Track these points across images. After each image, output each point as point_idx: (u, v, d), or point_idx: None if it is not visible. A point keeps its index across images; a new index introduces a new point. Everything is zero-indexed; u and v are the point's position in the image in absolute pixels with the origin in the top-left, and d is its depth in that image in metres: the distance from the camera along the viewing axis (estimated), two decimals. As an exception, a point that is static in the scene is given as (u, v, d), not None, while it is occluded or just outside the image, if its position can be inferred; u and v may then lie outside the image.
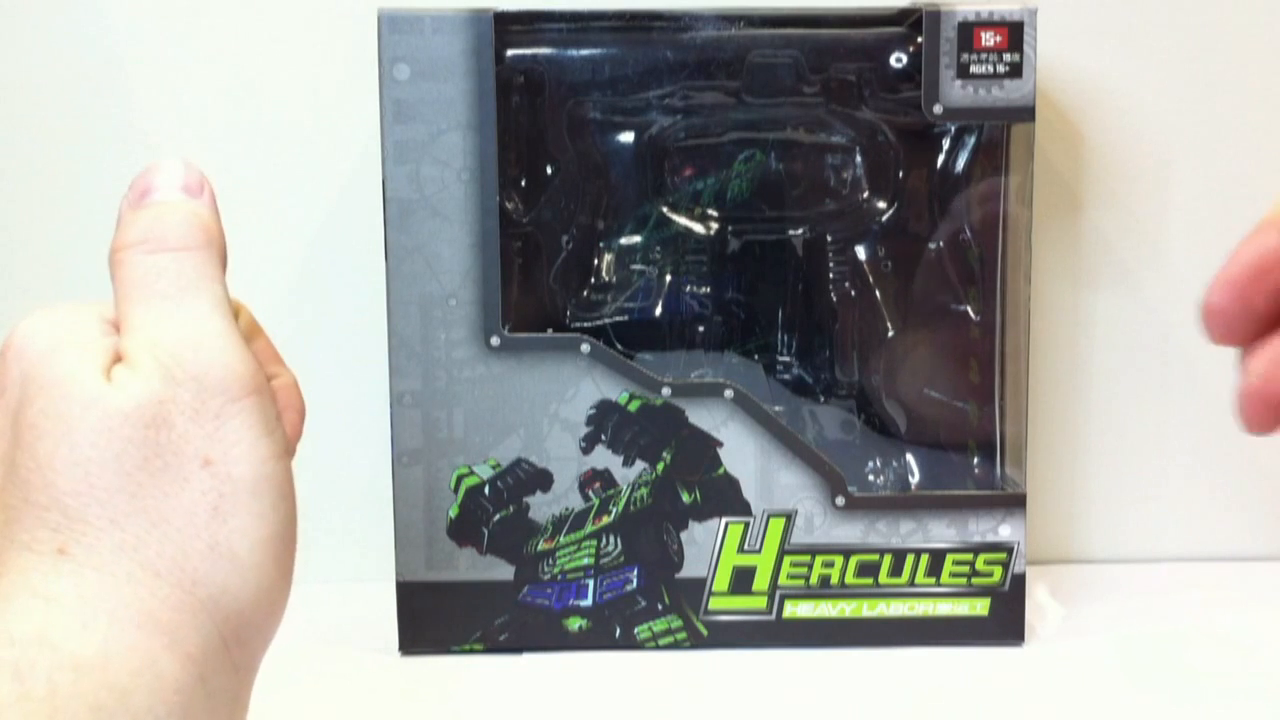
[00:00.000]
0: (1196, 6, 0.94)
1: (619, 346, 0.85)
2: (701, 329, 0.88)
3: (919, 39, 0.82)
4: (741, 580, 0.85)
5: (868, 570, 0.85)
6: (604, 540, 0.84)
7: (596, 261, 0.87)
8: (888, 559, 0.85)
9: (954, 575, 0.85)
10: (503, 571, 0.84)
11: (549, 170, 0.86)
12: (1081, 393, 0.97)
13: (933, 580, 0.85)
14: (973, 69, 0.81)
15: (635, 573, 0.85)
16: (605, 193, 0.87)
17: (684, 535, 0.84)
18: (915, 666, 0.83)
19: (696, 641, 0.85)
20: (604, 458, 0.84)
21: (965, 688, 0.82)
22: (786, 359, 0.88)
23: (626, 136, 0.86)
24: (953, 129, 0.85)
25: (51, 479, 0.43)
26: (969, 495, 0.85)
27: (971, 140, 0.85)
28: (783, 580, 0.85)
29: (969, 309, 0.87)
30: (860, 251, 0.88)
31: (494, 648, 0.85)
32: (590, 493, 0.84)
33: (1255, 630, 0.88)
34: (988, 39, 0.81)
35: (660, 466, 0.84)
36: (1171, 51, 0.94)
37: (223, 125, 0.93)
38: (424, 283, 0.82)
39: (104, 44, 0.93)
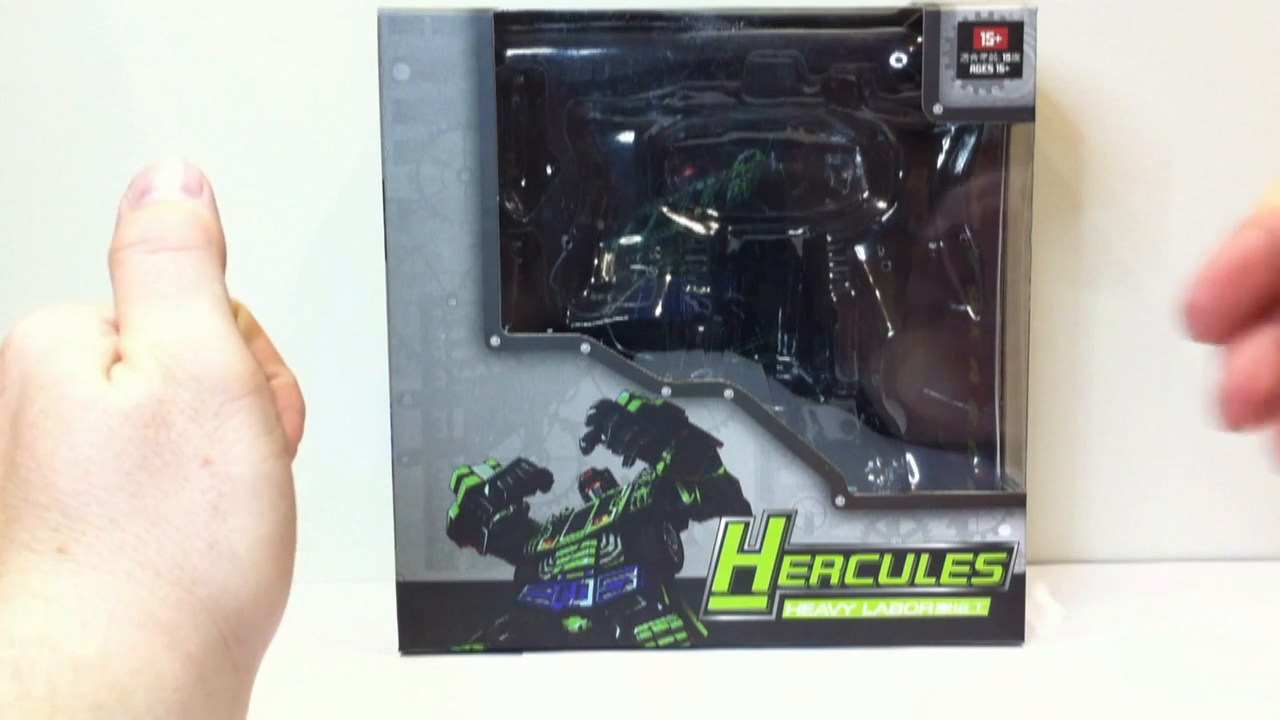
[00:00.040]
0: (1196, 6, 0.94)
1: (619, 346, 0.85)
2: (701, 329, 0.88)
3: (919, 39, 0.82)
4: (741, 580, 0.85)
5: (868, 570, 0.85)
6: (604, 540, 0.84)
7: (596, 261, 0.87)
8: (888, 559, 0.85)
9: (954, 575, 0.85)
10: (503, 571, 0.84)
11: (549, 170, 0.86)
12: (1081, 393, 0.97)
13: (933, 580, 0.85)
14: (973, 69, 0.81)
15: (635, 573, 0.85)
16: (605, 193, 0.87)
17: (684, 535, 0.84)
18: (915, 666, 0.83)
19: (696, 641, 0.85)
20: (604, 458, 0.84)
21: (965, 688, 0.82)
22: (786, 359, 0.88)
23: (626, 136, 0.86)
24: (953, 129, 0.85)
25: (51, 478, 0.43)
26: (969, 495, 0.85)
27: (971, 140, 0.85)
28: (783, 580, 0.85)
29: (969, 309, 0.87)
30: (860, 251, 0.88)
31: (494, 648, 0.85)
32: (590, 493, 0.84)
33: (1255, 630, 0.88)
34: (988, 39, 0.81)
35: (660, 466, 0.84)
36: (1171, 51, 0.94)
37: (223, 125, 0.93)
38: (424, 283, 0.82)
39: (104, 44, 0.93)
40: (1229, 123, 0.95)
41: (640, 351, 0.86)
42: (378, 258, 0.83)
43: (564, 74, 0.84)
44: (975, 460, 0.88)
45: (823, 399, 0.89)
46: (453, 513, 0.84)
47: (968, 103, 0.82)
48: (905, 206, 0.87)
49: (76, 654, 0.41)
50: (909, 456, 0.89)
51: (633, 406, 0.83)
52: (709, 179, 0.87)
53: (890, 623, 0.85)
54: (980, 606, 0.85)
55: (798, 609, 0.85)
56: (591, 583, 0.85)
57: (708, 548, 0.84)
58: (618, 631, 0.85)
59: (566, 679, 0.82)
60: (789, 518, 0.84)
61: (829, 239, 0.88)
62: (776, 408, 0.86)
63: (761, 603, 0.85)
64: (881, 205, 0.87)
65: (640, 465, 0.84)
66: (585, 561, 0.84)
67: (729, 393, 0.83)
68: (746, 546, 0.84)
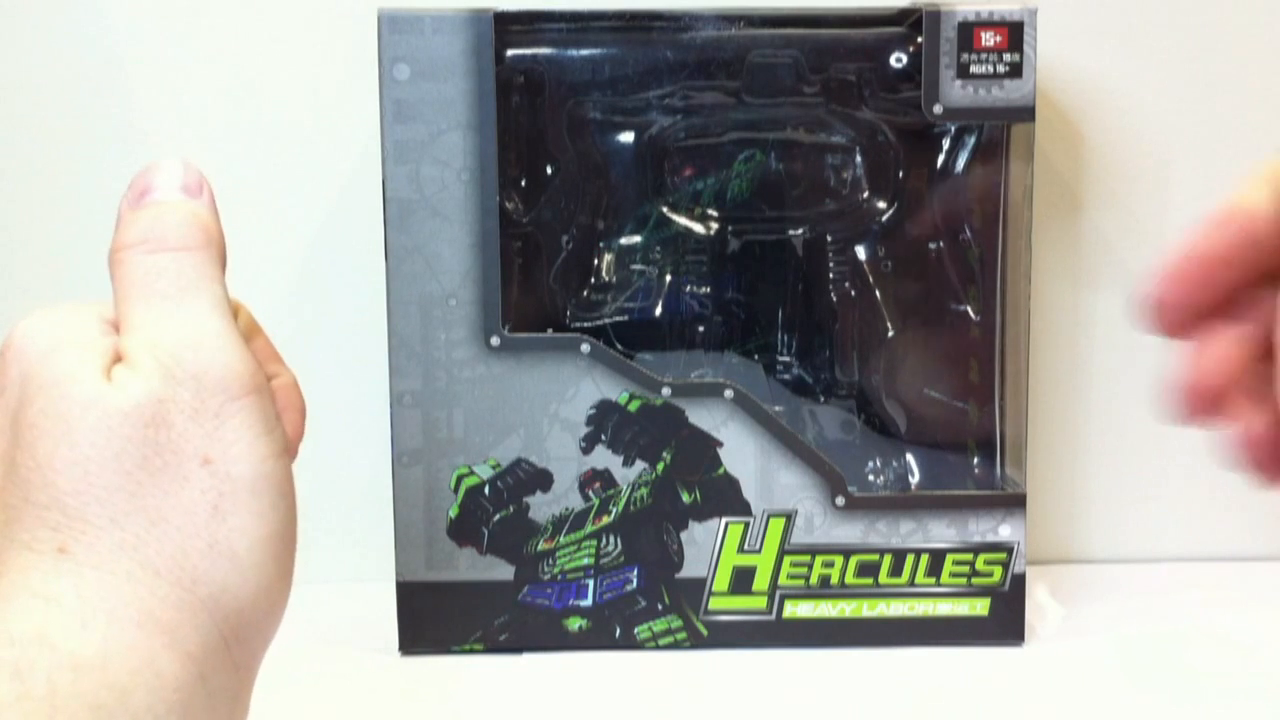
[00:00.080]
0: (1196, 6, 0.94)
1: (619, 346, 0.85)
2: (701, 329, 0.88)
3: (919, 39, 0.82)
4: (741, 580, 0.85)
5: (868, 570, 0.85)
6: (604, 540, 0.84)
7: (596, 261, 0.87)
8: (888, 559, 0.85)
9: (954, 575, 0.85)
10: (503, 571, 0.84)
11: (549, 170, 0.86)
12: (1081, 393, 0.97)
13: (933, 580, 0.85)
14: (973, 69, 0.81)
15: (635, 573, 0.85)
16: (605, 193, 0.87)
17: (684, 535, 0.84)
18: (915, 666, 0.83)
19: (696, 641, 0.85)
20: (604, 458, 0.84)
21: (965, 688, 0.82)
22: (786, 359, 0.88)
23: (626, 136, 0.86)
24: (953, 129, 0.85)
25: (51, 478, 0.43)
26: (969, 495, 0.85)
27: (971, 140, 0.85)
28: (783, 580, 0.85)
29: (969, 309, 0.87)
30: (860, 251, 0.88)
31: (494, 648, 0.85)
32: (590, 493, 0.84)
33: (1255, 630, 0.88)
34: (988, 39, 0.81)
35: (660, 466, 0.84)
36: (1171, 51, 0.94)
37: (223, 125, 0.93)
38: (424, 283, 0.82)
39: (104, 44, 0.93)
40: (1229, 123, 0.95)
41: (640, 351, 0.86)
42: (378, 258, 0.83)
43: (564, 74, 0.84)
44: (975, 460, 0.88)
45: (823, 399, 0.89)
46: (453, 513, 0.84)
47: (968, 103, 0.82)
48: (905, 206, 0.87)
49: (76, 654, 0.41)
50: (909, 456, 0.89)
51: (633, 406, 0.83)
52: (709, 179, 0.87)
53: (890, 623, 0.85)
54: (980, 606, 0.85)
55: (798, 609, 0.85)
56: (591, 583, 0.85)
57: (708, 548, 0.84)
58: (618, 631, 0.85)
59: (566, 679, 0.82)
60: (789, 518, 0.84)
61: (829, 239, 0.88)
62: (776, 408, 0.86)
63: (761, 603, 0.85)
64: (881, 205, 0.87)
65: (640, 465, 0.84)
66: (585, 561, 0.84)
67: (729, 393, 0.83)
68: (746, 546, 0.84)
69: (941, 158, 0.86)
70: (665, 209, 0.87)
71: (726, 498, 0.84)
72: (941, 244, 0.87)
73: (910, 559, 0.85)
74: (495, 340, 0.82)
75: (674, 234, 0.87)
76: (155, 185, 0.49)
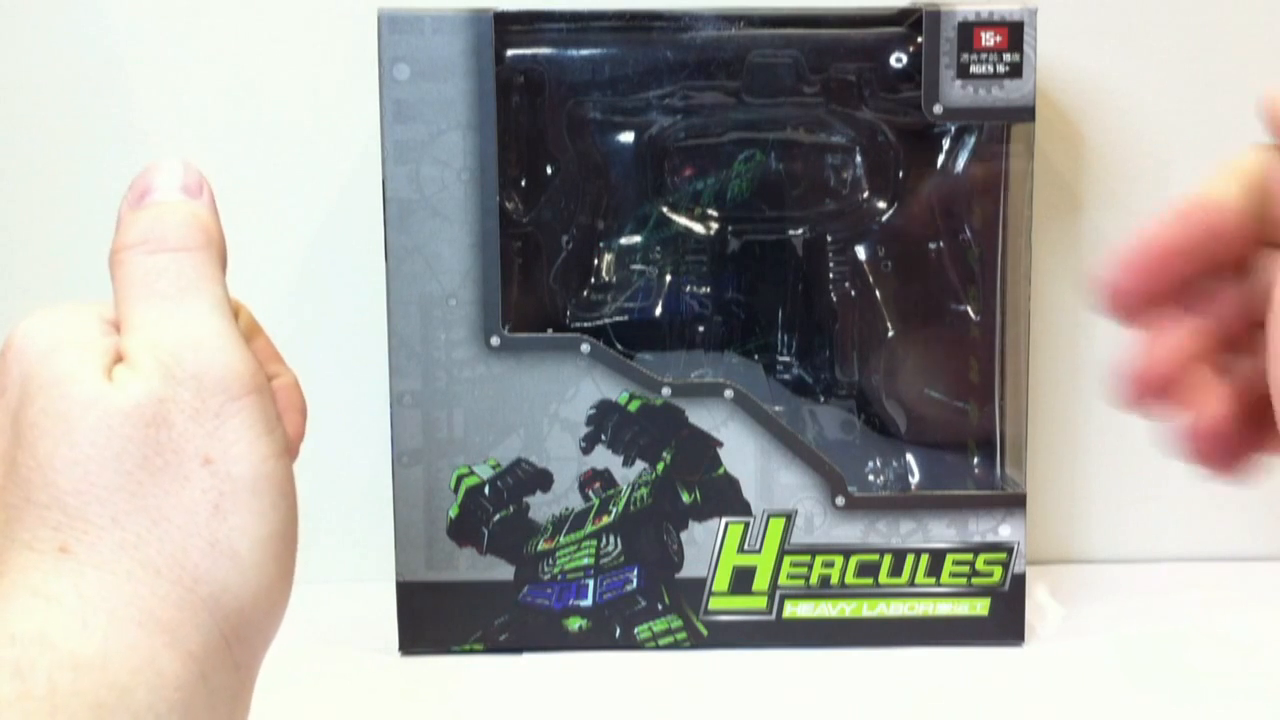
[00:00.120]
0: (1196, 6, 0.94)
1: (619, 346, 0.85)
2: (701, 329, 0.88)
3: (919, 39, 0.82)
4: (741, 580, 0.85)
5: (868, 570, 0.85)
6: (604, 540, 0.84)
7: (596, 261, 0.87)
8: (888, 559, 0.85)
9: (954, 575, 0.85)
10: (503, 571, 0.84)
11: (549, 170, 0.86)
12: (1081, 393, 0.97)
13: (933, 580, 0.85)
14: (973, 69, 0.81)
15: (635, 573, 0.85)
16: (605, 193, 0.87)
17: (684, 535, 0.84)
18: (915, 666, 0.83)
19: (696, 641, 0.85)
20: (604, 458, 0.84)
21: (965, 688, 0.82)
22: (786, 359, 0.88)
23: (626, 136, 0.86)
24: (953, 129, 0.85)
25: (52, 478, 0.43)
26: (969, 495, 0.85)
27: (971, 140, 0.85)
28: (783, 580, 0.85)
29: (969, 309, 0.87)
30: (860, 251, 0.88)
31: (494, 648, 0.85)
32: (590, 493, 0.84)
33: (1255, 630, 0.88)
34: (988, 39, 0.81)
35: (660, 466, 0.84)
36: (1171, 51, 0.94)
37: (223, 125, 0.93)
38: (424, 283, 0.82)
39: (104, 44, 0.93)
40: (1229, 123, 0.95)
41: (640, 351, 0.86)
42: (378, 258, 0.83)
43: (564, 74, 0.84)
44: (975, 460, 0.88)
45: (823, 399, 0.89)
46: (453, 513, 0.84)
47: (968, 103, 0.82)
48: (905, 206, 0.87)
49: (77, 653, 0.41)
50: (909, 456, 0.89)
51: (633, 406, 0.83)
52: (709, 179, 0.87)
53: (890, 623, 0.85)
54: (980, 606, 0.85)
55: (798, 609, 0.85)
56: (591, 583, 0.85)
57: (708, 548, 0.84)
58: (618, 631, 0.85)
59: (566, 679, 0.82)
60: (789, 518, 0.84)
61: (829, 239, 0.88)
62: (776, 408, 0.86)
63: (761, 603, 0.85)
64: (881, 205, 0.87)
65: (640, 465, 0.84)
66: (585, 561, 0.84)
67: (729, 393, 0.83)
68: (746, 546, 0.84)
69: (941, 158, 0.86)
70: (665, 209, 0.87)
71: (726, 498, 0.84)
72: (941, 244, 0.87)
73: (910, 559, 0.85)
74: (495, 340, 0.82)
75: (674, 234, 0.87)
76: (155, 186, 0.49)
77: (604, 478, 0.84)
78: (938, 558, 0.85)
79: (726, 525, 0.84)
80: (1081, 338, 0.97)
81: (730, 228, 0.87)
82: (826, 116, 0.86)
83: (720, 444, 0.84)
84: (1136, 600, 0.93)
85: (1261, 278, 0.45)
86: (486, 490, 0.84)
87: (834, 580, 0.85)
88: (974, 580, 0.85)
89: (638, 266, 0.87)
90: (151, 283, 0.47)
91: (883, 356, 0.88)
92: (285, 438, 0.47)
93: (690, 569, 0.85)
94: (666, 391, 0.83)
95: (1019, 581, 0.85)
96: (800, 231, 0.87)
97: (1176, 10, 0.94)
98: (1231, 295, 0.46)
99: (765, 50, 0.84)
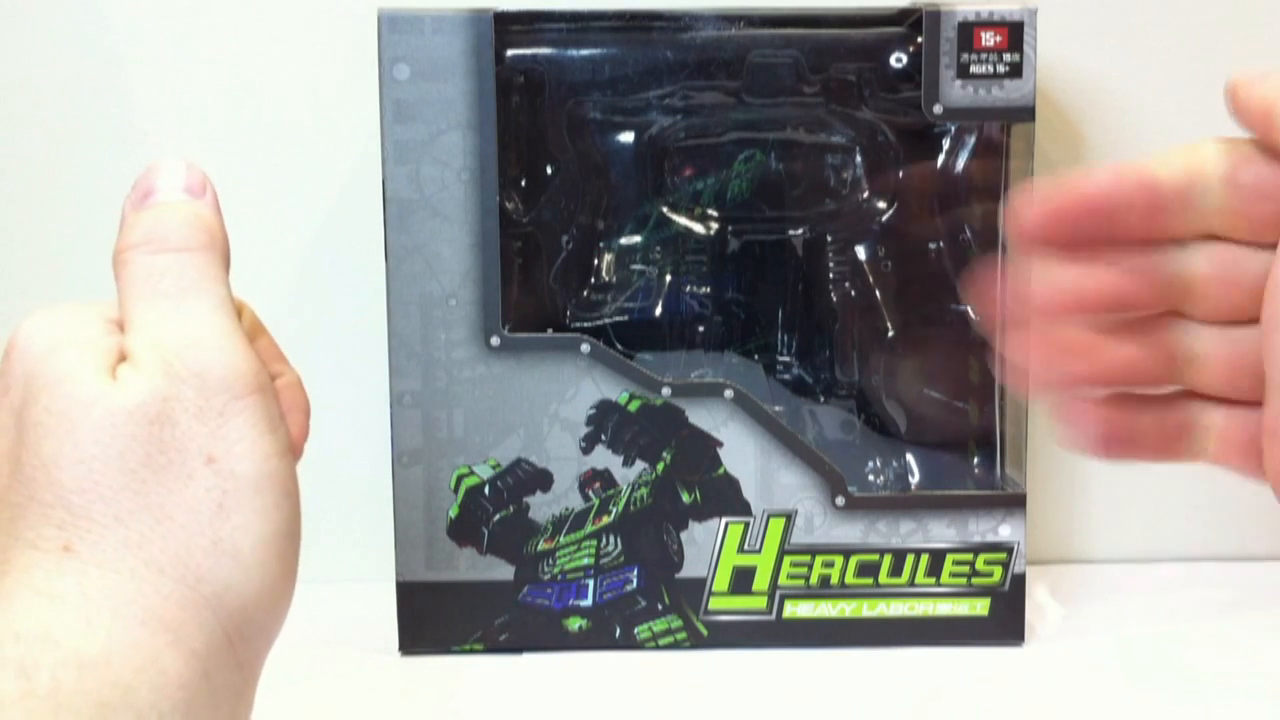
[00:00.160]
0: (1196, 6, 0.94)
1: (619, 346, 0.85)
2: (701, 329, 0.88)
3: (919, 39, 0.82)
4: (741, 580, 0.85)
5: (868, 570, 0.85)
6: (604, 540, 0.84)
7: (596, 261, 0.87)
8: (888, 559, 0.85)
9: (954, 575, 0.85)
10: (503, 571, 0.84)
11: (549, 170, 0.86)
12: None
13: (933, 580, 0.85)
14: (973, 69, 0.81)
15: (635, 573, 0.85)
16: (605, 193, 0.87)
17: (684, 535, 0.84)
18: (915, 666, 0.83)
19: (696, 641, 0.85)
20: (604, 458, 0.84)
21: (965, 688, 0.82)
22: (786, 359, 0.88)
23: (626, 136, 0.86)
24: (953, 129, 0.85)
25: (56, 476, 0.43)
26: (969, 495, 0.85)
27: (971, 140, 0.85)
28: (783, 580, 0.85)
29: (969, 309, 0.87)
30: (860, 251, 0.88)
31: (494, 648, 0.85)
32: (590, 493, 0.84)
33: (1255, 630, 0.88)
34: (988, 39, 0.81)
35: (660, 466, 0.84)
36: (1171, 51, 0.94)
37: (223, 125, 0.93)
38: (424, 283, 0.82)
39: (104, 44, 0.93)
40: (1229, 123, 0.95)
41: (640, 351, 0.86)
42: (378, 258, 0.83)
43: (564, 74, 0.84)
44: (975, 460, 0.88)
45: (823, 399, 0.89)
46: (453, 513, 0.84)
47: (968, 103, 0.82)
48: (905, 206, 0.87)
49: (81, 651, 0.41)
50: (909, 456, 0.89)
51: (633, 406, 0.83)
52: (709, 179, 0.87)
53: (890, 623, 0.85)
54: (980, 606, 0.85)
55: (798, 609, 0.85)
56: (591, 583, 0.85)
57: (708, 548, 0.84)
58: (618, 631, 0.85)
59: (566, 679, 0.82)
60: (789, 518, 0.84)
61: (829, 239, 0.88)
62: (776, 408, 0.86)
63: (761, 603, 0.85)
64: (881, 205, 0.87)
65: (640, 465, 0.84)
66: (585, 561, 0.84)
67: (729, 393, 0.83)
68: (746, 546, 0.84)
69: (941, 158, 0.86)
70: (665, 209, 0.87)
71: (726, 498, 0.84)
72: (941, 244, 0.87)
73: (910, 559, 0.85)
74: (495, 340, 0.82)
75: (674, 234, 0.87)
76: (158, 186, 0.49)
77: (604, 478, 0.84)
78: (938, 558, 0.85)
79: (726, 525, 0.84)
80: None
81: (730, 228, 0.87)
82: (826, 116, 0.86)
83: (720, 444, 0.84)
84: (1136, 600, 0.93)
85: (1185, 267, 0.45)
86: (486, 490, 0.84)
87: (834, 580, 0.85)
88: (974, 580, 0.85)
89: (638, 266, 0.87)
90: (154, 283, 0.47)
91: (883, 356, 0.88)
92: (288, 437, 0.47)
93: (690, 569, 0.85)
94: (666, 391, 0.83)
95: (1019, 581, 0.85)
96: (800, 231, 0.87)
97: (1176, 10, 0.94)
98: (1140, 273, 0.46)
99: (765, 50, 0.84)
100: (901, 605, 0.85)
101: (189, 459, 0.44)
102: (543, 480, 0.84)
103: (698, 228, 0.87)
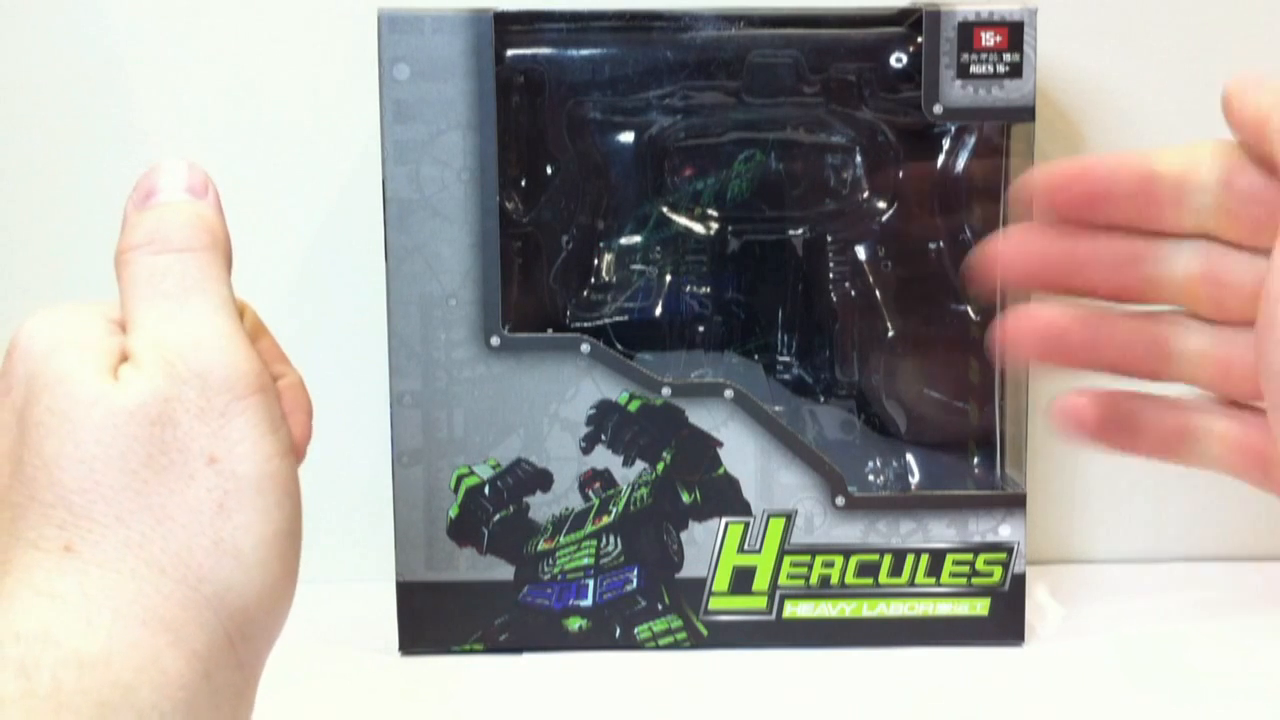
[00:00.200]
0: (1196, 6, 0.94)
1: (619, 346, 0.85)
2: (701, 329, 0.88)
3: (919, 39, 0.82)
4: (741, 580, 0.85)
5: (868, 570, 0.85)
6: (604, 540, 0.84)
7: (596, 261, 0.87)
8: (888, 559, 0.85)
9: (954, 575, 0.85)
10: (503, 571, 0.84)
11: (549, 170, 0.86)
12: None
13: (933, 580, 0.85)
14: (973, 69, 0.81)
15: (635, 573, 0.85)
16: (605, 193, 0.87)
17: (684, 535, 0.84)
18: (915, 666, 0.83)
19: (696, 641, 0.85)
20: (604, 458, 0.84)
21: (965, 688, 0.82)
22: (786, 359, 0.88)
23: (626, 136, 0.86)
24: (953, 129, 0.85)
25: (58, 476, 0.43)
26: (969, 495, 0.85)
27: (971, 140, 0.85)
28: (783, 580, 0.85)
29: (969, 309, 0.87)
30: (860, 251, 0.88)
31: (494, 648, 0.85)
32: (590, 493, 0.84)
33: (1255, 630, 0.88)
34: (988, 39, 0.81)
35: (660, 466, 0.84)
36: (1171, 51, 0.94)
37: (223, 125, 0.93)
38: (424, 283, 0.82)
39: (104, 44, 0.93)
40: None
41: (640, 351, 0.86)
42: (378, 258, 0.83)
43: (564, 74, 0.84)
44: (975, 460, 0.88)
45: (823, 399, 0.89)
46: (453, 513, 0.84)
47: (968, 103, 0.82)
48: (905, 206, 0.87)
49: (81, 651, 0.41)
50: (909, 456, 0.89)
51: (633, 406, 0.83)
52: (709, 179, 0.87)
53: (890, 623, 0.85)
54: (980, 606, 0.85)
55: (798, 609, 0.85)
56: (591, 583, 0.85)
57: (708, 548, 0.84)
58: (618, 631, 0.85)
59: (566, 679, 0.82)
60: (789, 518, 0.84)
61: (829, 239, 0.88)
62: (776, 408, 0.86)
63: (761, 603, 0.85)
64: (881, 205, 0.87)
65: (640, 465, 0.84)
66: (585, 561, 0.84)
67: (729, 393, 0.83)
68: (746, 546, 0.84)
69: (941, 158, 0.86)
70: (665, 209, 0.87)
71: (726, 498, 0.84)
72: (941, 244, 0.87)
73: (910, 559, 0.85)
74: (495, 340, 0.82)
75: (674, 234, 0.87)
76: (160, 186, 0.49)
77: (604, 478, 0.84)
78: (938, 558, 0.85)
79: (726, 525, 0.84)
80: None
81: (730, 228, 0.87)
82: (826, 116, 0.86)
83: (720, 444, 0.84)
84: (1136, 600, 0.93)
85: (1177, 262, 0.46)
86: (486, 490, 0.84)
87: (834, 580, 0.85)
88: (974, 580, 0.85)
89: (638, 266, 0.87)
90: (156, 283, 0.47)
91: (883, 356, 0.88)
92: (290, 437, 0.47)
93: (690, 569, 0.85)
94: (666, 391, 0.83)
95: (1019, 581, 0.85)
96: (800, 231, 0.87)
97: (1176, 10, 0.94)
98: (1125, 261, 0.46)
99: (765, 50, 0.84)
100: (901, 605, 0.85)
101: (190, 459, 0.45)
102: (543, 480, 0.84)
103: (698, 228, 0.87)
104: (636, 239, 0.87)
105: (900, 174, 0.87)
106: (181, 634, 0.43)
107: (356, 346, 0.93)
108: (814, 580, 0.85)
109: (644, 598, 0.85)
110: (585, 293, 0.87)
